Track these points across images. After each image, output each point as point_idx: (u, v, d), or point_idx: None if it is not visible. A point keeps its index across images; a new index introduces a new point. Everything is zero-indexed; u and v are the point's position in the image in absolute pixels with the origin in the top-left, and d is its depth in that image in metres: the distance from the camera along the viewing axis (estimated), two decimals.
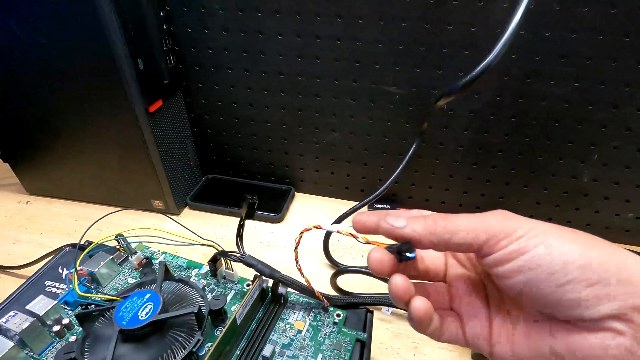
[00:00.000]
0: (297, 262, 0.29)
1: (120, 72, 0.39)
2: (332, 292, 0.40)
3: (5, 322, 0.27)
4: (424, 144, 0.49)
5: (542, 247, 0.17)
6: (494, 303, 0.21)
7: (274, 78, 0.48)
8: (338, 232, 0.23)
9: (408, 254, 0.19)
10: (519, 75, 0.41)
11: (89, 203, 0.56)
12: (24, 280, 0.43)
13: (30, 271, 0.43)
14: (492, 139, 0.46)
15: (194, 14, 0.45)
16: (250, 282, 0.34)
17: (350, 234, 0.22)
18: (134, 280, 0.34)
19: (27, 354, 0.27)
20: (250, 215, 0.29)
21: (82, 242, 0.40)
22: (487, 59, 0.24)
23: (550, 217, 0.51)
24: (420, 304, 0.19)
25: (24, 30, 0.38)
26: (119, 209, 0.54)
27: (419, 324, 0.20)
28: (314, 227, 0.25)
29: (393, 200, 0.55)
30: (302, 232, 0.26)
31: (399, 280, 0.19)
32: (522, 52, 0.39)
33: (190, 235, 0.35)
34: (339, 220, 0.44)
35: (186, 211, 0.55)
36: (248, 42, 0.46)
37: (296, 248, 0.28)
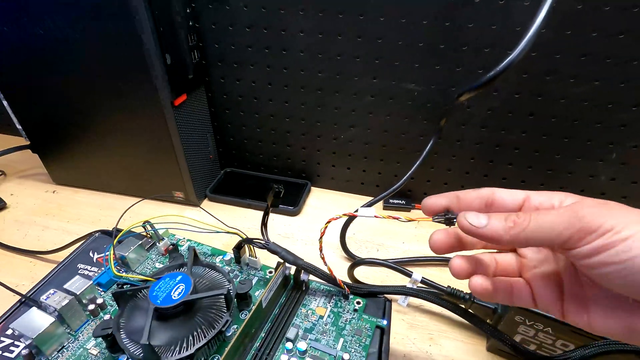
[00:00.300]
0: (320, 251, 0.30)
1: (150, 66, 0.41)
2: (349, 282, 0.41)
3: (45, 299, 0.28)
4: (440, 140, 0.49)
5: (631, 240, 0.16)
6: (569, 280, 0.21)
7: (295, 74, 0.49)
8: (375, 216, 0.24)
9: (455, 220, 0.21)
10: (538, 73, 0.41)
11: (111, 193, 0.58)
12: (53, 264, 0.45)
13: (59, 256, 0.45)
14: (509, 137, 0.47)
15: (219, 11, 0.46)
16: (273, 270, 0.35)
17: (390, 216, 0.24)
18: (160, 265, 0.35)
19: (64, 329, 0.29)
20: (275, 204, 0.31)
21: (111, 229, 0.42)
22: (511, 56, 0.25)
23: None
24: (477, 282, 0.21)
25: (59, 25, 0.40)
26: (141, 199, 0.56)
27: (482, 298, 0.22)
28: (344, 215, 0.26)
29: (408, 195, 0.56)
30: (328, 222, 0.27)
31: (457, 262, 0.22)
32: (542, 51, 0.40)
33: (213, 225, 0.36)
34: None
35: (205, 203, 0.57)
36: (271, 39, 0.47)
37: (321, 237, 0.29)
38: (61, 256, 0.45)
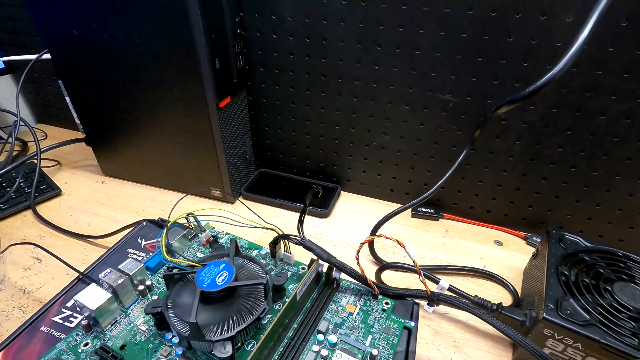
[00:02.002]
0: (357, 253, 0.31)
1: (201, 70, 0.44)
2: None
3: (103, 277, 0.31)
4: (473, 151, 0.50)
5: None
6: None
7: (333, 81, 0.51)
8: (413, 261, 0.25)
9: None
10: (578, 88, 0.41)
11: (154, 187, 0.62)
12: (102, 248, 0.49)
13: (107, 241, 0.49)
14: (544, 151, 0.47)
15: (265, 20, 0.49)
16: (306, 266, 0.37)
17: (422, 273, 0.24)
18: (201, 255, 0.38)
19: (118, 306, 0.32)
20: (313, 204, 0.32)
21: (156, 219, 0.46)
22: (552, 71, 0.26)
23: (602, 234, 0.50)
24: None
25: (124, 30, 0.44)
26: (181, 194, 0.60)
27: None
28: (397, 240, 0.27)
29: (437, 205, 0.57)
30: (375, 236, 0.29)
31: None
32: (583, 66, 0.40)
33: (251, 220, 0.38)
34: (387, 218, 0.46)
35: (240, 201, 0.60)
36: (311, 47, 0.49)
37: (362, 244, 0.31)
38: (109, 241, 0.49)
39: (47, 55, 0.54)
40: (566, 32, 0.39)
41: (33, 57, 0.57)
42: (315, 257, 0.34)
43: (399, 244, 0.28)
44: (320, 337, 0.30)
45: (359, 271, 0.33)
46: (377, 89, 0.49)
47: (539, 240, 0.51)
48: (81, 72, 0.52)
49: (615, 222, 0.48)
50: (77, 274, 0.37)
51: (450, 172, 0.43)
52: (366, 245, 0.48)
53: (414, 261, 0.26)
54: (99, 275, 0.31)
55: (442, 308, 0.42)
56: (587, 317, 0.32)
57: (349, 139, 0.56)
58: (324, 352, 0.28)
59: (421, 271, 0.28)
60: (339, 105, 0.53)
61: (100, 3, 0.43)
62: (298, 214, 0.56)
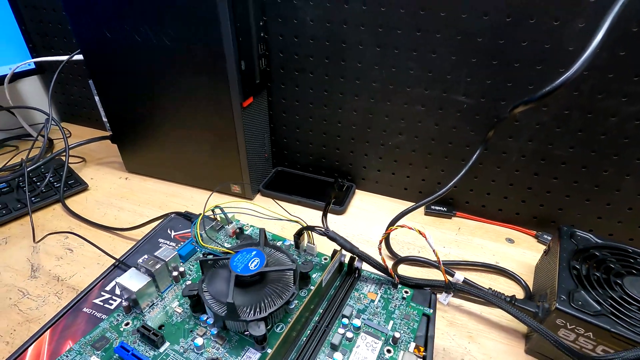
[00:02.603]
0: (380, 243, 0.33)
1: (228, 71, 0.46)
2: None
3: (142, 262, 0.34)
4: (486, 151, 0.52)
5: None
6: None
7: (350, 83, 0.53)
8: (434, 251, 0.27)
9: None
10: (590, 91, 0.43)
11: (175, 183, 0.64)
12: (129, 240, 0.51)
13: (133, 234, 0.52)
14: (556, 151, 0.48)
15: (287, 24, 0.52)
16: (328, 257, 0.38)
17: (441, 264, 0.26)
18: (229, 245, 0.40)
19: (155, 289, 0.34)
20: (338, 197, 0.34)
21: (183, 212, 0.48)
22: (567, 73, 0.28)
23: (612, 232, 0.51)
24: None
25: (156, 33, 0.47)
26: (201, 190, 0.63)
27: None
28: (419, 231, 0.29)
29: (450, 203, 0.58)
30: (397, 226, 0.31)
31: None
32: (594, 70, 0.42)
33: (276, 212, 0.40)
34: (401, 215, 0.48)
35: (258, 197, 0.62)
36: (331, 50, 0.52)
37: (386, 233, 0.33)
38: (135, 234, 0.51)
39: (78, 57, 0.57)
40: (578, 36, 0.41)
41: (64, 58, 0.60)
42: (339, 248, 0.36)
43: (421, 234, 0.29)
44: (345, 321, 0.32)
45: (381, 261, 0.35)
46: (394, 90, 0.51)
47: (549, 238, 0.53)
48: (111, 73, 0.54)
49: (625, 221, 0.50)
50: (113, 262, 0.39)
51: (463, 171, 0.45)
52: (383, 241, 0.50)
53: (434, 251, 0.28)
54: (138, 261, 0.34)
55: (456, 301, 0.44)
56: (598, 308, 0.33)
57: (365, 138, 0.58)
58: (349, 335, 0.30)
59: (440, 260, 0.30)
60: (356, 106, 0.55)
61: (136, 9, 0.46)
62: (314, 211, 0.59)
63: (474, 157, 0.45)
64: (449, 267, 0.48)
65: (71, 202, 0.59)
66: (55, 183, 0.61)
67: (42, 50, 0.73)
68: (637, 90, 0.41)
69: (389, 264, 0.47)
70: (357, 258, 0.36)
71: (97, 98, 0.59)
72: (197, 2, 0.43)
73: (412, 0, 0.45)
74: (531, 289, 0.45)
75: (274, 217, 0.39)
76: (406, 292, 0.35)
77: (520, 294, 0.45)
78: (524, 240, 0.54)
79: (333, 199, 0.35)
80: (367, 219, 0.58)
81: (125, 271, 0.33)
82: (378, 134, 0.56)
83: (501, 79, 0.46)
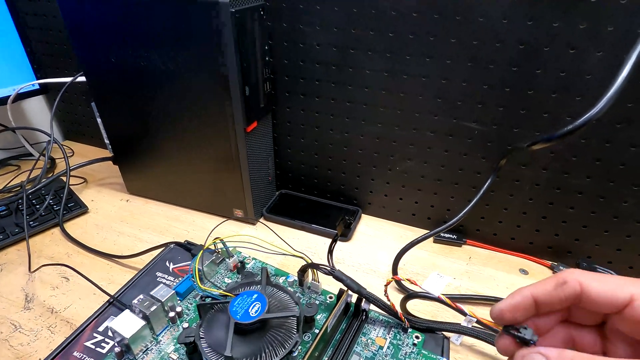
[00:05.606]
0: (385, 292, 0.31)
1: (232, 97, 0.45)
2: None
3: (137, 304, 0.32)
4: (498, 179, 0.49)
5: None
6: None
7: (358, 107, 0.52)
8: (439, 297, 0.25)
9: (530, 340, 0.21)
10: (609, 121, 0.41)
11: (178, 206, 0.63)
12: (127, 268, 0.50)
13: (133, 261, 0.50)
14: (572, 180, 0.46)
15: (293, 48, 0.51)
16: (334, 295, 0.36)
17: (456, 305, 0.24)
18: (229, 280, 0.38)
19: (149, 332, 0.32)
20: (345, 234, 0.33)
21: (183, 242, 0.46)
22: (592, 111, 0.26)
23: (632, 265, 0.49)
24: None
25: (161, 59, 0.46)
26: (204, 213, 0.61)
27: None
28: (408, 280, 0.27)
29: (460, 231, 0.56)
30: (392, 279, 0.29)
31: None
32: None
33: (279, 246, 0.39)
34: (409, 246, 0.46)
35: (261, 222, 0.60)
36: (338, 75, 0.50)
37: (386, 285, 0.31)
38: (135, 262, 0.50)
39: (81, 78, 0.56)
40: (595, 66, 0.39)
41: (67, 79, 0.59)
42: (345, 288, 0.34)
43: (412, 282, 0.28)
44: None
45: (389, 304, 0.33)
46: (402, 116, 0.50)
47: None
48: (114, 96, 0.53)
49: None
50: (108, 297, 0.37)
51: (475, 199, 0.43)
52: (389, 271, 0.48)
53: (439, 297, 0.26)
54: (132, 302, 0.32)
55: (469, 340, 0.42)
56: None
57: (372, 163, 0.56)
58: None
59: (455, 304, 0.28)
60: (363, 130, 0.54)
61: (140, 34, 0.45)
62: (318, 237, 0.57)
63: (486, 185, 0.43)
64: (460, 302, 0.46)
65: (70, 226, 0.58)
66: (55, 206, 0.59)
67: (48, 69, 0.72)
68: None
69: (398, 298, 0.45)
70: (364, 299, 0.33)
71: (99, 120, 0.58)
72: (202, 29, 0.42)
73: (422, 27, 0.43)
74: None
75: (277, 251, 0.38)
76: (417, 337, 0.33)
77: None
78: (539, 271, 0.52)
79: (339, 235, 0.33)
80: (373, 246, 0.55)
81: (121, 309, 0.32)
82: (386, 159, 0.55)
83: (515, 107, 0.44)
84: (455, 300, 0.46)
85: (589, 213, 0.48)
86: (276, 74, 0.54)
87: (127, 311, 0.31)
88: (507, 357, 0.23)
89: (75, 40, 0.49)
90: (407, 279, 0.28)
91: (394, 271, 0.48)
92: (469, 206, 0.44)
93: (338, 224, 0.33)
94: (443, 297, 0.25)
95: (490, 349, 0.40)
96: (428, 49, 0.44)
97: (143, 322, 0.30)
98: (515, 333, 0.21)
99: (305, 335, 0.33)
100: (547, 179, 0.47)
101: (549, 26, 0.39)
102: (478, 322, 0.40)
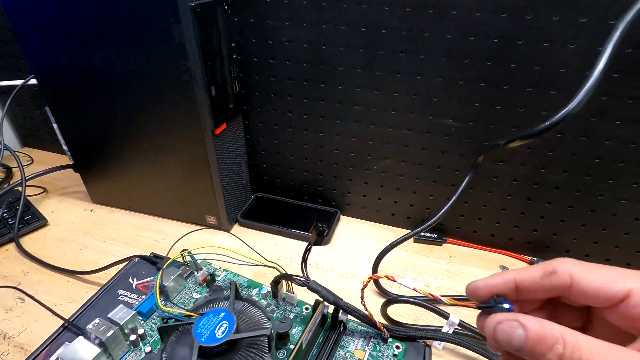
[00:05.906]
0: (362, 298, 0.30)
1: (197, 98, 0.42)
2: (382, 320, 0.40)
3: (91, 329, 0.29)
4: (476, 176, 0.49)
5: None
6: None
7: (332, 106, 0.50)
8: (414, 289, 0.23)
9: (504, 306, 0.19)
10: (584, 114, 0.41)
11: (146, 214, 0.59)
12: (90, 284, 0.46)
13: (96, 277, 0.46)
14: (549, 175, 0.46)
15: (262, 45, 0.48)
16: (309, 306, 0.34)
17: (430, 294, 0.23)
18: (198, 295, 0.36)
19: (106, 359, 0.29)
20: (318, 242, 0.31)
21: (148, 255, 0.43)
22: (568, 107, 0.25)
23: (609, 257, 0.49)
24: None
25: (120, 57, 0.42)
26: (174, 221, 0.58)
27: None
28: (387, 277, 0.25)
29: (440, 229, 0.55)
30: (369, 279, 0.27)
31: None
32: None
33: (252, 257, 0.36)
34: (389, 248, 0.45)
35: (236, 227, 0.57)
36: (309, 72, 0.48)
37: (363, 289, 0.29)
38: (98, 277, 0.46)
39: (33, 81, 0.52)
40: (570, 59, 0.38)
41: (18, 82, 0.55)
42: (321, 299, 0.32)
43: (389, 278, 0.26)
44: None
45: (367, 314, 0.31)
46: (378, 114, 0.48)
47: None
48: (70, 99, 0.49)
49: (622, 246, 0.47)
50: (63, 322, 0.34)
51: (454, 198, 0.42)
52: (370, 275, 0.46)
53: (414, 289, 0.24)
54: (87, 327, 0.29)
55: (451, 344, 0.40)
56: None
57: (349, 163, 0.54)
58: None
59: (432, 294, 0.26)
60: (338, 129, 0.52)
61: (92, 29, 0.42)
62: (297, 241, 0.55)
63: (465, 182, 0.42)
64: (441, 304, 0.44)
65: (27, 241, 0.54)
66: (10, 219, 0.55)
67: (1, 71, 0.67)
68: (632, 113, 0.39)
69: (378, 303, 0.43)
70: (341, 310, 0.32)
71: (55, 125, 0.54)
72: (159, 24, 0.39)
73: (394, 21, 0.42)
74: None
75: (249, 262, 0.35)
76: (397, 347, 0.31)
77: None
78: (518, 267, 0.51)
79: (312, 244, 0.31)
80: (352, 248, 0.54)
81: (77, 334, 0.29)
82: (362, 159, 0.53)
83: (490, 102, 0.43)
84: (437, 303, 0.45)
85: (566, 207, 0.47)
86: (245, 73, 0.51)
87: (80, 338, 0.28)
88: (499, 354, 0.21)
89: (20, 35, 0.45)
90: (385, 276, 0.26)
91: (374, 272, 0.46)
92: (449, 204, 0.43)
93: (311, 232, 0.31)
94: (419, 289, 0.23)
95: (475, 354, 0.39)
96: (401, 44, 0.43)
97: (98, 350, 0.28)
98: (488, 305, 0.19)
99: (280, 352, 0.31)
100: (525, 175, 0.47)
101: (523, 18, 0.38)
102: (460, 324, 0.39)
